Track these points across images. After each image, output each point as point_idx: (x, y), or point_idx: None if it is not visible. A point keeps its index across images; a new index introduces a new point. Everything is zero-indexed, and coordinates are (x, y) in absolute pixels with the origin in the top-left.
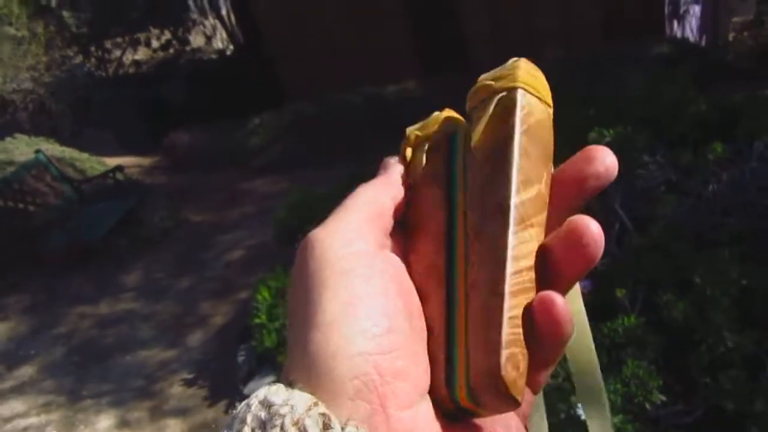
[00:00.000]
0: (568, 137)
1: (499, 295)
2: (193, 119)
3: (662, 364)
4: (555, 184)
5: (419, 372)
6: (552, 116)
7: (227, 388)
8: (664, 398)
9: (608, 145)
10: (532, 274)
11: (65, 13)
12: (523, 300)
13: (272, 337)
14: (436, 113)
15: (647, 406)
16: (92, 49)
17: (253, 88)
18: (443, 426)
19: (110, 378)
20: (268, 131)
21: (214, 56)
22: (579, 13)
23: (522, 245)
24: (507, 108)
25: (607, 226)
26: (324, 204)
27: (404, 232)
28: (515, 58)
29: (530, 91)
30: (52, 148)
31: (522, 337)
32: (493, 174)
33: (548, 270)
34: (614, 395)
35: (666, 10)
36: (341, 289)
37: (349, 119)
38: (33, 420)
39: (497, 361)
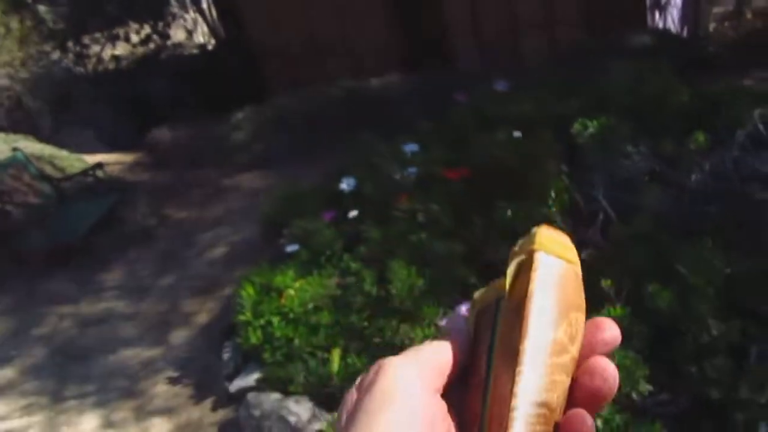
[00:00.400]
0: (553, 128)
1: (504, 430)
2: (175, 115)
3: (648, 354)
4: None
5: None
6: (578, 271)
7: (213, 386)
8: (651, 388)
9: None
10: (540, 410)
11: (41, 8)
12: None
13: (257, 333)
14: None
15: (634, 396)
16: (70, 44)
17: (235, 83)
18: None
19: (93, 378)
20: (251, 126)
21: (195, 51)
22: (561, 4)
23: (529, 386)
24: (525, 269)
25: (591, 217)
26: (310, 199)
27: (465, 386)
28: (536, 227)
29: (548, 251)
30: (30, 146)
31: None
32: (514, 325)
33: (572, 400)
34: None
35: (648, 1)
36: (392, 413)
37: (332, 113)
38: (15, 423)
39: None
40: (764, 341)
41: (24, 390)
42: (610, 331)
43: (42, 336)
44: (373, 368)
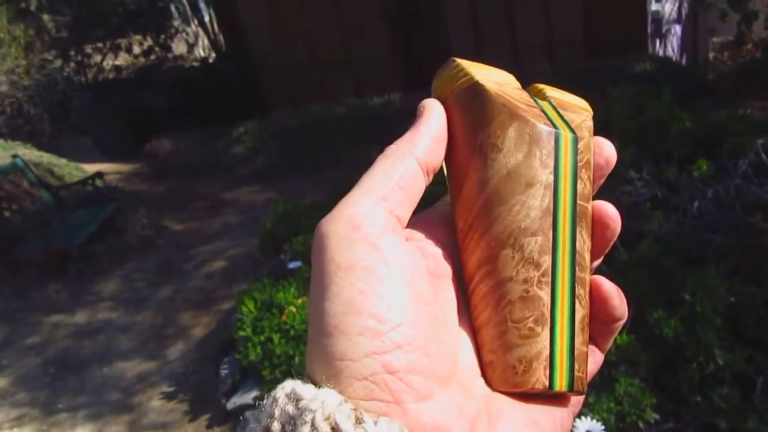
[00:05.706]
0: None
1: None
2: (175, 126)
3: (653, 382)
4: None
5: (435, 361)
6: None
7: (209, 402)
8: (657, 416)
9: None
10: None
11: (45, 17)
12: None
13: (257, 350)
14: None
15: (640, 424)
16: (72, 53)
17: (236, 97)
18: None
19: (87, 390)
20: (251, 140)
21: (196, 64)
22: (562, 29)
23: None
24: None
25: None
26: (313, 215)
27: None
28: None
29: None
30: (29, 153)
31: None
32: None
33: None
34: (608, 414)
35: (649, 29)
36: (343, 286)
37: (333, 130)
38: None
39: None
40: None
41: (15, 400)
42: (601, 154)
43: (35, 345)
44: (313, 241)
